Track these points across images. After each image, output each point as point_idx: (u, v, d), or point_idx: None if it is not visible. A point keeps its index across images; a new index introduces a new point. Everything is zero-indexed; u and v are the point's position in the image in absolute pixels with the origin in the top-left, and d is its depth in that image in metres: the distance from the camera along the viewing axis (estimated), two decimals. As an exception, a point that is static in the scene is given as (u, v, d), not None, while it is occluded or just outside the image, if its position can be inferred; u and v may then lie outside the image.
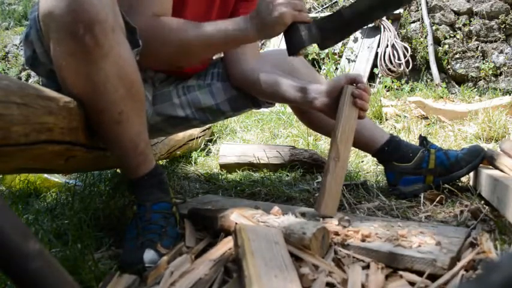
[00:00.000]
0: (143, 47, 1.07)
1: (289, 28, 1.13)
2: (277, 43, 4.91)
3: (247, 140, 2.58)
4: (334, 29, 1.18)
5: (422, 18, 4.68)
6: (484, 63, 4.45)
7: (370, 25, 4.65)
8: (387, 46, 4.42)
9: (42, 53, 1.05)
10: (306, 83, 1.30)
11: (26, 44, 1.11)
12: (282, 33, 1.15)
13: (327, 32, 1.17)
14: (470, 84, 4.45)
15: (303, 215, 1.08)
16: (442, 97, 3.83)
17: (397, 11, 4.69)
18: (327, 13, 5.05)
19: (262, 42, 5.29)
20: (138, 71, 1.02)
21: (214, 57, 1.56)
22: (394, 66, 4.36)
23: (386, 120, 3.00)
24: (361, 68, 4.47)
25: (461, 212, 1.18)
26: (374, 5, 1.17)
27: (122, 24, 0.98)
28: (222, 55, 1.51)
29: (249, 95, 1.46)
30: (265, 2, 1.10)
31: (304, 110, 1.51)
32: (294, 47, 1.15)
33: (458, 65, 4.55)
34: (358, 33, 4.74)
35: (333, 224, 0.98)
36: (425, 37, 4.60)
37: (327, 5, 5.24)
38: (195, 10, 1.32)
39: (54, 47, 0.92)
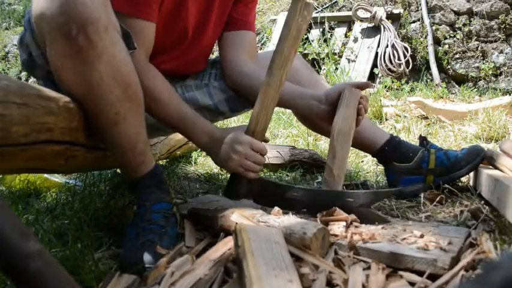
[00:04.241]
0: None
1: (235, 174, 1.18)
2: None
3: (247, 140, 2.57)
4: (271, 198, 1.19)
5: (422, 18, 4.68)
6: (484, 63, 4.45)
7: (370, 25, 4.65)
8: (387, 46, 4.41)
9: (38, 55, 1.04)
10: (305, 89, 1.30)
11: (22, 48, 1.10)
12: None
13: (264, 195, 1.20)
14: (470, 84, 4.44)
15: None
16: (442, 97, 3.83)
17: (396, 11, 4.69)
18: (327, 13, 5.05)
19: (262, 42, 5.29)
20: (135, 71, 1.01)
21: (212, 58, 1.56)
22: (394, 66, 4.35)
23: (386, 120, 3.00)
24: (361, 68, 4.47)
25: (461, 212, 1.18)
26: (315, 204, 1.13)
27: (116, 24, 0.97)
28: (220, 56, 1.50)
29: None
30: (230, 145, 1.14)
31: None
32: (230, 193, 1.21)
33: (458, 65, 4.55)
34: (358, 33, 4.74)
35: (340, 226, 0.98)
36: (425, 37, 4.60)
37: (327, 5, 5.23)
38: (196, 7, 1.32)
39: (49, 49, 0.92)
